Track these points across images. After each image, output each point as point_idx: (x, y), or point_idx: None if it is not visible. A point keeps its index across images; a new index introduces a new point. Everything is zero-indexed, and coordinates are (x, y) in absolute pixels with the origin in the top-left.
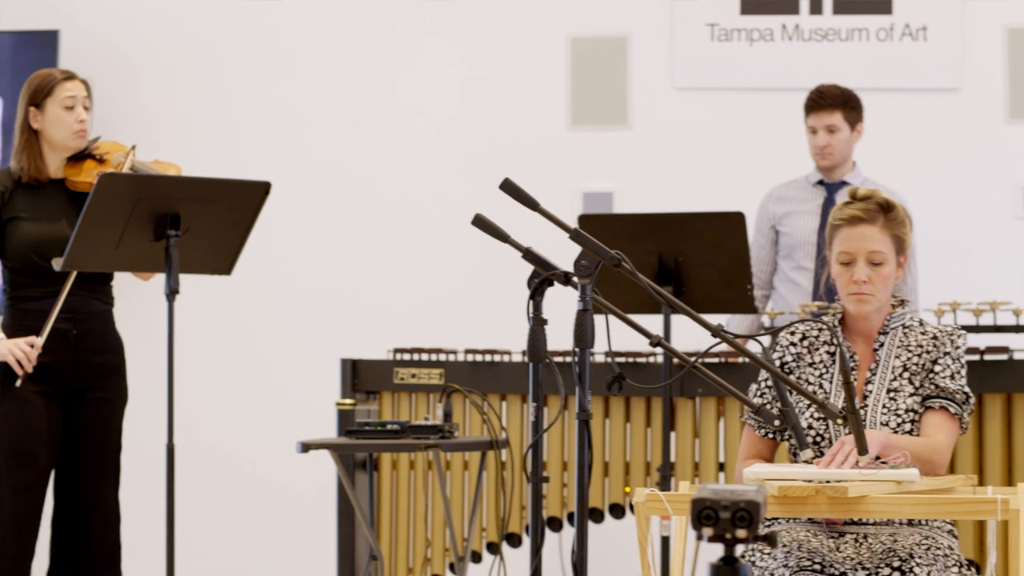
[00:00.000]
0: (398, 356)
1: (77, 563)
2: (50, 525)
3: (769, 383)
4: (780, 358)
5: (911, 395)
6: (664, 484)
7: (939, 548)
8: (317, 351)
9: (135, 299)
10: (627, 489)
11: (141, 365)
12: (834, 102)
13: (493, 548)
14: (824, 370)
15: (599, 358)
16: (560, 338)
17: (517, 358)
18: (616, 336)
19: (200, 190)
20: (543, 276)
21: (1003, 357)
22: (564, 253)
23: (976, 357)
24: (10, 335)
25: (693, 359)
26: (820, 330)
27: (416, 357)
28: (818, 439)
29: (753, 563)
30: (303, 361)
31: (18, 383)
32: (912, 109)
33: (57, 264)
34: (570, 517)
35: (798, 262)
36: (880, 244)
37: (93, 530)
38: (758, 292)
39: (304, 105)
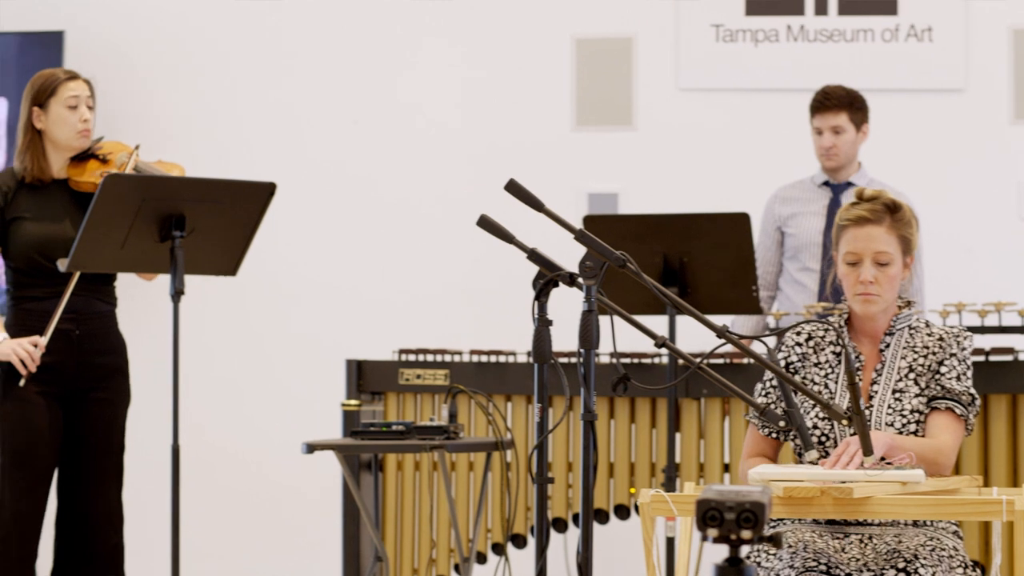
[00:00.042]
0: (403, 357)
1: (80, 564)
2: (54, 525)
3: (774, 383)
4: (785, 358)
5: (916, 396)
6: (669, 485)
7: (944, 549)
8: (322, 352)
9: (139, 299)
10: (632, 490)
11: (145, 366)
12: (839, 103)
13: (498, 549)
14: (830, 370)
15: (604, 359)
16: (565, 339)
17: (522, 359)
18: (621, 337)
19: (205, 191)
20: (548, 277)
21: (1008, 358)
22: (569, 254)
23: (981, 358)
24: (13, 335)
25: (698, 360)
26: (826, 330)
27: (421, 358)
28: (823, 439)
29: (758, 564)
30: (308, 362)
31: (22, 383)
32: (917, 110)
33: (62, 265)
34: (575, 518)
35: (803, 263)
36: (886, 245)
37: (96, 531)
38: (763, 293)
39: (308, 106)
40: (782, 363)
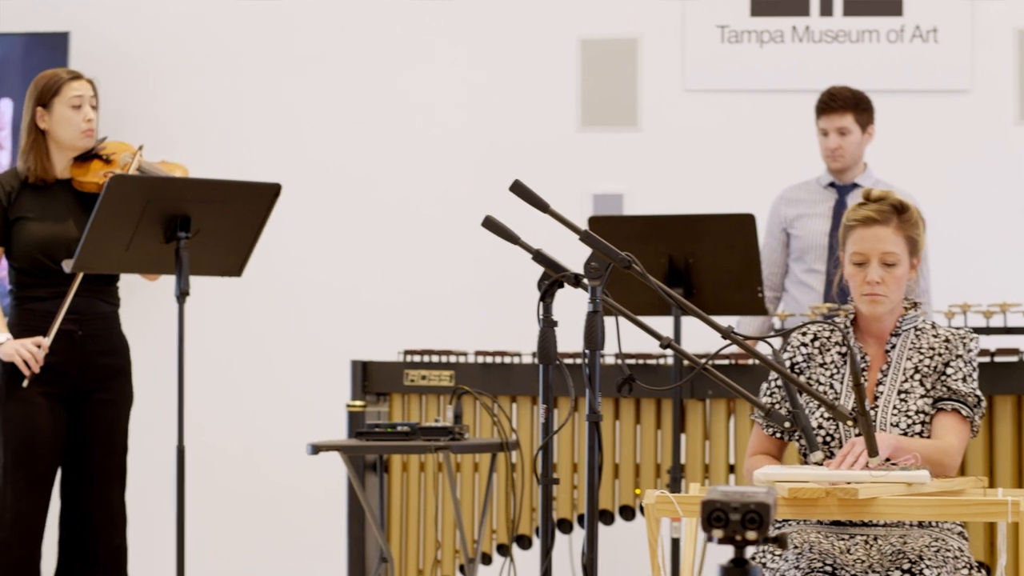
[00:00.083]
0: (408, 358)
1: (83, 564)
2: (57, 526)
3: (779, 383)
4: (791, 358)
5: (922, 397)
6: (674, 486)
7: (949, 550)
8: (327, 353)
9: (143, 300)
10: (637, 491)
11: (150, 366)
12: (845, 104)
13: (503, 550)
14: (835, 371)
15: (609, 360)
16: (570, 340)
17: (527, 360)
18: (626, 338)
19: (211, 192)
20: (553, 278)
21: (1014, 359)
22: (574, 255)
23: (987, 359)
24: (16, 335)
25: (703, 361)
26: (832, 331)
27: (426, 359)
28: (828, 439)
29: (764, 565)
30: (313, 363)
31: (25, 383)
32: (922, 110)
33: (67, 266)
34: (580, 519)
35: (809, 264)
36: (893, 245)
37: (99, 532)
38: (769, 294)
39: (313, 106)
40: (787, 363)
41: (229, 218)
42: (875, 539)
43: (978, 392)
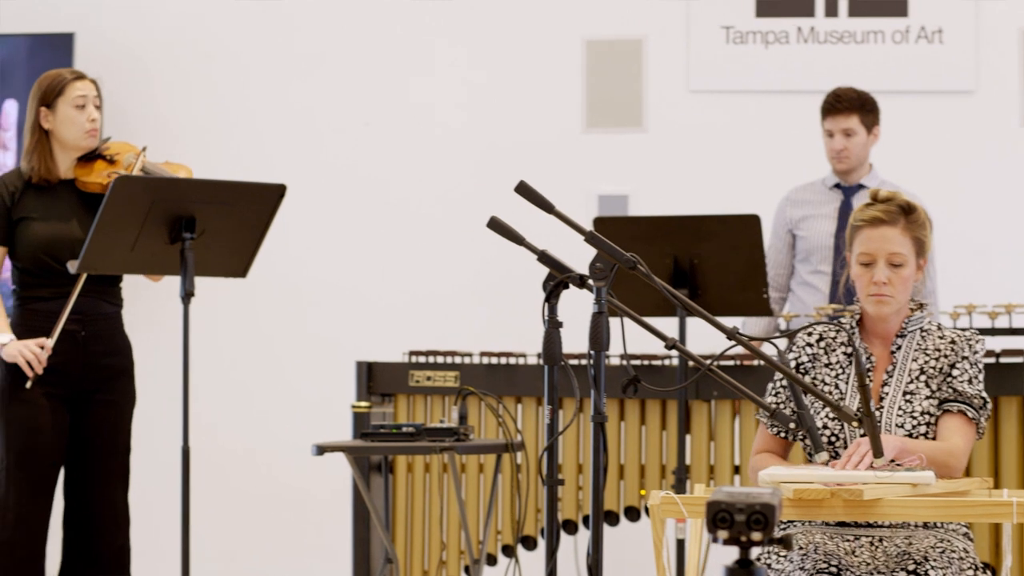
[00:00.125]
0: (413, 359)
1: (86, 564)
2: (61, 526)
3: (784, 384)
4: (796, 359)
5: (927, 398)
6: (679, 487)
7: (954, 551)
8: (332, 354)
9: (148, 301)
10: (642, 492)
11: (155, 367)
12: (851, 105)
13: (508, 551)
14: (840, 371)
15: (614, 361)
16: (575, 341)
17: (532, 361)
18: (631, 339)
19: (215, 193)
20: (558, 279)
21: (1019, 360)
22: (579, 256)
23: (992, 360)
24: (19, 336)
25: (708, 362)
26: (838, 331)
27: (431, 360)
28: (833, 439)
29: (769, 566)
30: (318, 363)
31: (28, 384)
32: (927, 111)
33: (72, 267)
34: (585, 520)
35: (815, 266)
36: (900, 246)
37: (102, 532)
38: (775, 295)
39: (319, 107)
40: (792, 363)
41: (234, 219)
42: (880, 540)
43: (984, 394)
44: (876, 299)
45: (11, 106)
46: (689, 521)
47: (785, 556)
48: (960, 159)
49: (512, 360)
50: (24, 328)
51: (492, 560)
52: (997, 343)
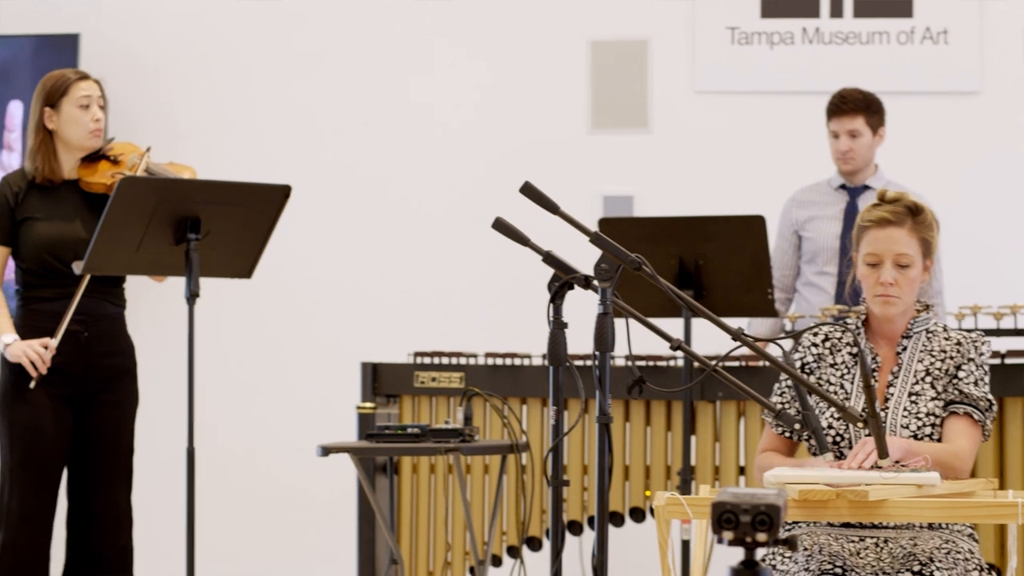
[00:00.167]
0: (418, 360)
1: (88, 565)
2: (64, 526)
3: (789, 383)
4: (801, 359)
5: (932, 399)
6: (684, 488)
7: (959, 552)
8: (337, 355)
9: (153, 302)
10: (647, 493)
11: (160, 368)
12: (856, 107)
13: (513, 552)
14: (846, 371)
15: (619, 361)
16: (580, 341)
17: (537, 362)
18: (636, 339)
19: (221, 194)
20: (563, 279)
21: None
22: (584, 256)
23: (997, 361)
24: (23, 336)
25: (713, 363)
26: (843, 331)
27: (436, 361)
28: (838, 439)
29: (774, 567)
30: (323, 365)
31: (32, 384)
32: (932, 112)
33: (78, 267)
34: (590, 521)
35: (820, 267)
36: (907, 247)
37: (105, 532)
38: (781, 296)
39: (323, 108)
40: (798, 363)
41: (239, 220)
42: (885, 541)
43: (989, 396)
44: (882, 300)
45: (16, 107)
46: (694, 522)
47: (790, 557)
48: (965, 160)
49: (517, 361)
50: (27, 328)
51: (497, 561)
52: (1002, 344)
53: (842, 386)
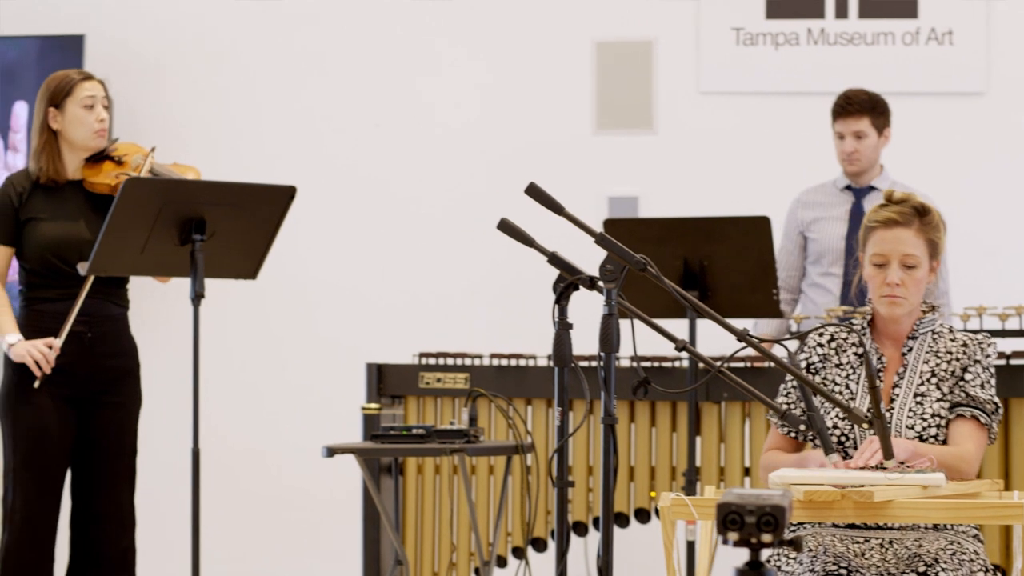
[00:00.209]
0: (423, 361)
1: (91, 565)
2: (68, 526)
3: (795, 384)
4: (807, 359)
5: (938, 400)
6: (690, 489)
7: (965, 553)
8: (342, 355)
9: (158, 302)
10: (652, 494)
11: (165, 369)
12: (862, 108)
13: (518, 553)
14: (851, 371)
15: (624, 362)
16: (586, 342)
17: (542, 362)
18: (641, 340)
19: (226, 194)
20: (568, 280)
21: None
22: (589, 257)
23: (1002, 362)
24: (26, 337)
25: (719, 364)
26: (849, 332)
27: (441, 362)
28: (843, 439)
29: (778, 568)
30: (328, 365)
31: (36, 385)
32: (938, 113)
33: (83, 268)
34: (596, 522)
35: (826, 268)
36: (914, 248)
37: (107, 533)
38: (787, 296)
39: (328, 109)
40: (803, 364)
41: (244, 221)
42: (890, 542)
43: (996, 399)
44: (889, 300)
45: (21, 108)
46: (699, 523)
47: (795, 558)
48: (970, 161)
49: (522, 362)
50: (31, 329)
51: (502, 562)
52: (1008, 345)
53: (847, 386)
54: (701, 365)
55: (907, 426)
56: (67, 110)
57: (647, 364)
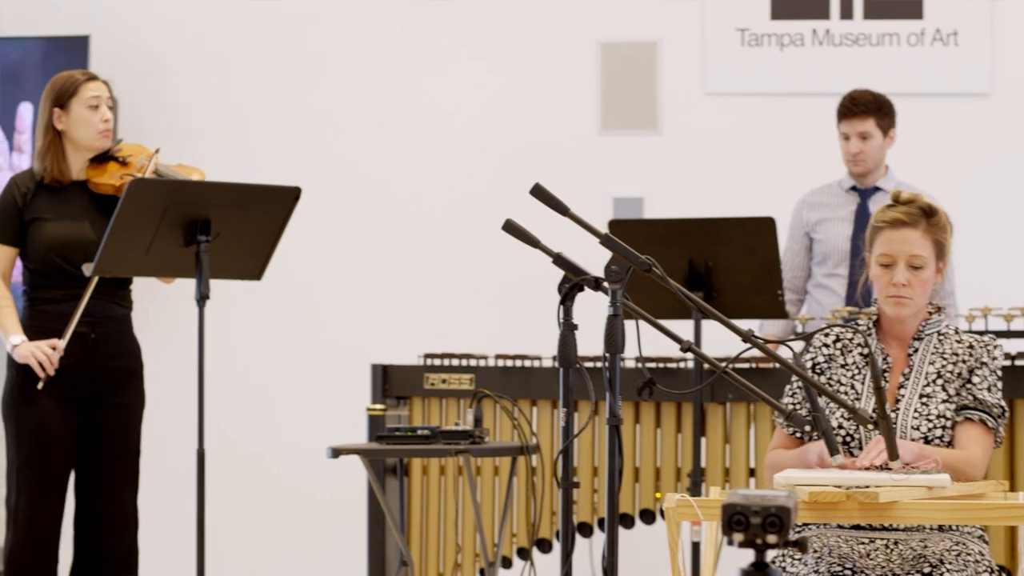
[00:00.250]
0: (428, 362)
1: (94, 566)
2: (72, 527)
3: (801, 384)
4: (812, 359)
5: (944, 401)
6: (695, 489)
7: (970, 554)
8: (347, 356)
9: (163, 303)
10: (658, 495)
11: (170, 370)
12: (867, 109)
13: (523, 554)
14: (857, 371)
15: (630, 363)
16: (591, 343)
17: (548, 363)
18: (647, 341)
19: (231, 195)
20: (573, 281)
21: None
22: (594, 258)
23: (1007, 363)
24: (29, 337)
25: (724, 364)
26: (855, 332)
27: (446, 363)
28: (848, 439)
29: (783, 569)
30: (333, 366)
31: (40, 386)
32: (943, 114)
33: (88, 269)
34: (600, 523)
35: (831, 268)
36: (921, 248)
37: (110, 534)
38: (792, 297)
39: (334, 109)
40: (809, 364)
41: (249, 222)
42: (895, 543)
43: (1002, 403)
44: (895, 300)
45: (26, 109)
46: (704, 524)
47: (800, 559)
48: (976, 161)
49: (527, 363)
50: (34, 330)
51: (507, 563)
52: (1013, 346)
53: (853, 387)
54: (706, 366)
55: (912, 427)
56: (72, 110)
57: (652, 365)
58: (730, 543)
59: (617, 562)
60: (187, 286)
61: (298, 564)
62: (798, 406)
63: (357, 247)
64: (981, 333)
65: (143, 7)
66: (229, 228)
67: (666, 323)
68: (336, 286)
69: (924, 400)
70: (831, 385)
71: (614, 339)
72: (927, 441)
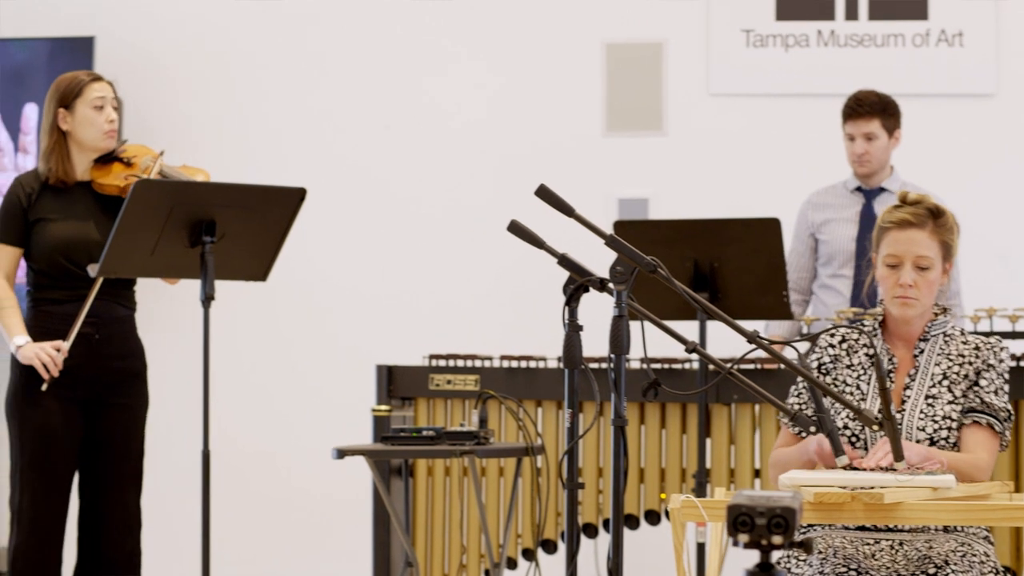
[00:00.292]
0: (433, 362)
1: (97, 567)
2: (76, 527)
3: (806, 384)
4: (818, 359)
5: (949, 403)
6: (700, 490)
7: (975, 555)
8: (353, 357)
9: (168, 304)
10: (663, 495)
11: (175, 371)
12: (872, 109)
13: (528, 554)
14: (862, 372)
15: (635, 364)
16: (596, 344)
17: (553, 364)
18: (652, 342)
19: (236, 196)
20: (579, 282)
21: None
22: (599, 259)
23: (1012, 363)
24: (33, 338)
25: (729, 365)
26: (860, 333)
27: (451, 363)
28: (853, 440)
29: (788, 570)
30: (338, 367)
31: (44, 387)
32: (948, 115)
33: (93, 270)
34: (606, 523)
35: (836, 269)
36: (928, 249)
37: (113, 535)
38: (797, 298)
39: (338, 110)
40: (814, 364)
41: (254, 223)
42: (900, 544)
43: (1008, 406)
44: (901, 301)
45: (31, 110)
46: (709, 525)
47: (805, 560)
48: (981, 162)
49: (532, 364)
50: (38, 330)
51: (512, 564)
52: (1018, 346)
53: (858, 387)
54: (711, 367)
55: (918, 428)
56: (76, 111)
57: (657, 366)
58: (735, 544)
59: (622, 563)
60: (191, 287)
61: (303, 566)
62: (803, 407)
63: (361, 248)
64: (986, 334)
65: (148, 8)
66: (234, 229)
67: (671, 324)
68: (341, 287)
69: (930, 401)
70: (836, 386)
71: (619, 340)
72: (932, 442)
